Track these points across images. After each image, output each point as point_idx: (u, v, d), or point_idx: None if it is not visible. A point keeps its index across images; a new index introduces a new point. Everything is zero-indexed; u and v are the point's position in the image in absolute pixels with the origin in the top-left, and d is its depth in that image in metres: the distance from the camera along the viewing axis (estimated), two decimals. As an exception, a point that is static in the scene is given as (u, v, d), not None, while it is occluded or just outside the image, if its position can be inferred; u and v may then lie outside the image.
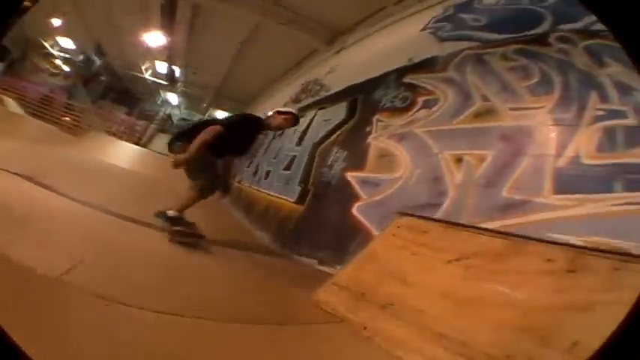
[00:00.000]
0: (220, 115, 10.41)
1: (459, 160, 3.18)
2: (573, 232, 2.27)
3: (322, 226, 3.73)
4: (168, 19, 8.25)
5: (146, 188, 6.14)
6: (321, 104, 5.49)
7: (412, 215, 2.54)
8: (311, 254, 3.65)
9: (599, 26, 3.04)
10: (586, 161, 2.50)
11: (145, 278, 2.13)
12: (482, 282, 1.78)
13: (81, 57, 13.10)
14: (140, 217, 3.23)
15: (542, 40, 3.24)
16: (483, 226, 2.47)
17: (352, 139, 4.23)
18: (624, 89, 2.64)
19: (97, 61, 13.40)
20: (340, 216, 3.55)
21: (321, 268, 3.41)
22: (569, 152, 2.60)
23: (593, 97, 2.70)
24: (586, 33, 3.00)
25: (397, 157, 3.54)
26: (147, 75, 12.89)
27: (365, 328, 1.85)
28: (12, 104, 10.57)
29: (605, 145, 2.51)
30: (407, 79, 4.25)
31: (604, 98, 2.67)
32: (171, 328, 1.66)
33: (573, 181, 2.49)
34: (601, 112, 2.62)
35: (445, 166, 3.19)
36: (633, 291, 1.34)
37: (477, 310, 1.68)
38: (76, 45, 12.26)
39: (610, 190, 2.30)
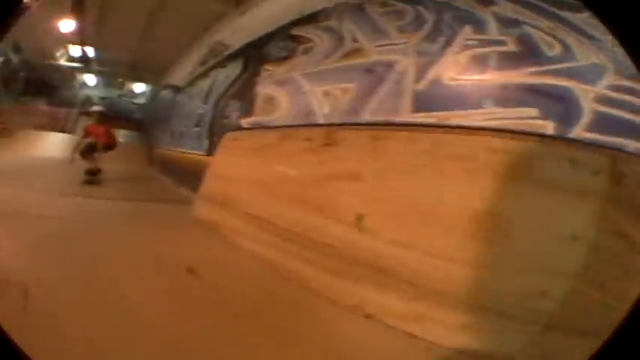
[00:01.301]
0: (138, 87, 10.82)
1: (327, 94, 3.62)
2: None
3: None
4: (77, 3, 7.96)
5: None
6: (224, 63, 5.73)
7: (236, 129, 3.04)
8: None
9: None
10: (450, 82, 2.86)
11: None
12: (270, 165, 2.28)
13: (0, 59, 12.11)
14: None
15: (427, -14, 3.45)
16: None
17: (244, 89, 4.58)
18: (508, 23, 2.96)
19: (15, 59, 12.44)
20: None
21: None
22: (431, 76, 2.98)
23: (467, 29, 3.00)
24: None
25: (278, 100, 3.93)
26: (62, 61, 12.19)
27: (219, 224, 2.32)
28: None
29: (473, 68, 2.84)
30: (293, 32, 4.59)
31: (480, 30, 2.97)
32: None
33: (436, 100, 2.86)
34: (473, 42, 2.93)
35: (315, 101, 3.62)
36: (396, 155, 1.75)
37: (273, 190, 2.16)
38: (-3, 48, 11.36)
39: (479, 107, 2.66)
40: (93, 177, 5.48)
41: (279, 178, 2.07)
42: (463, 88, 2.84)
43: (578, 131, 2.56)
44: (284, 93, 3.92)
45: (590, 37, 2.94)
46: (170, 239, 2.59)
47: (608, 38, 2.89)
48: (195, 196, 4.47)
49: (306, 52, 4.16)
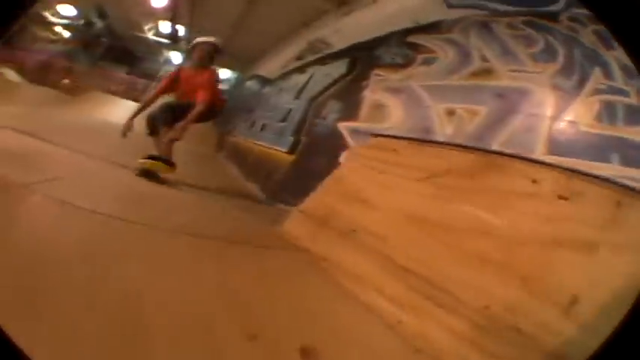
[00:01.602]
0: (224, 73, 10.98)
1: (451, 113, 3.18)
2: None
3: (310, 174, 3.76)
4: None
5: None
6: (324, 61, 5.46)
7: (382, 135, 2.47)
8: (295, 202, 3.69)
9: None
10: (584, 128, 2.53)
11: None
12: (455, 203, 1.64)
13: (81, 22, 12.95)
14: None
15: (552, 16, 3.20)
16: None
17: (348, 91, 4.24)
18: (629, 72, 2.61)
19: (98, 24, 13.24)
20: (328, 164, 3.58)
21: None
22: (567, 116, 2.63)
23: (597, 71, 2.69)
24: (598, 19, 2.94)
25: (390, 109, 3.54)
26: (150, 35, 12.74)
27: (325, 259, 1.68)
28: (11, 74, 10.51)
29: (604, 117, 2.52)
30: (410, 39, 4.22)
31: (608, 75, 2.67)
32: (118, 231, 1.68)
33: (568, 144, 2.52)
34: (603, 87, 2.61)
35: (436, 118, 3.19)
36: (634, 230, 1.20)
37: (448, 238, 1.46)
38: (77, 11, 12.13)
39: (606, 161, 2.32)
40: (158, 164, 3.34)
41: (463, 224, 1.37)
42: (595, 136, 2.50)
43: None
44: (398, 102, 3.52)
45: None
46: (258, 279, 1.64)
47: None
48: (265, 198, 4.15)
49: (426, 62, 3.76)
